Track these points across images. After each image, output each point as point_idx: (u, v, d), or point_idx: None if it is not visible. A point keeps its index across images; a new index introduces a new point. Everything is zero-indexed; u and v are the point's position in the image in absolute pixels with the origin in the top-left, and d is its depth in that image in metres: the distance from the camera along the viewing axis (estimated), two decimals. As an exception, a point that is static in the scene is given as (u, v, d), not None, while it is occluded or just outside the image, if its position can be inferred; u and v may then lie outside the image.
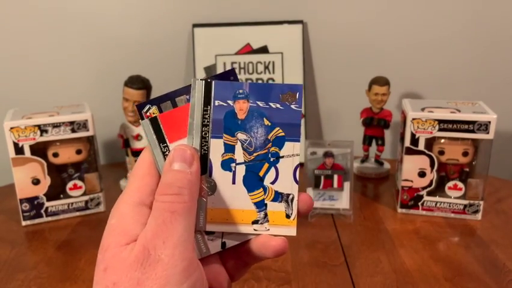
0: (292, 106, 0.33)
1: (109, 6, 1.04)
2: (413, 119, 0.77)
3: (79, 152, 0.82)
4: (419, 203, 0.81)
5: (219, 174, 0.33)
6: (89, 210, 0.83)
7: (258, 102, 0.33)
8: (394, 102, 1.06)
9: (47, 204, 0.80)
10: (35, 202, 0.80)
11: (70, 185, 0.82)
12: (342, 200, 0.80)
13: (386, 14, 1.05)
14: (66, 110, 0.82)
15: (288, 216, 0.33)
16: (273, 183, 0.33)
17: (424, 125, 0.77)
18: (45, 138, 0.78)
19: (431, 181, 0.80)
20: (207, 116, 0.32)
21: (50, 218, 0.81)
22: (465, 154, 0.78)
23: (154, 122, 0.32)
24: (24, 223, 0.80)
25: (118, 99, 0.91)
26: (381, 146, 0.98)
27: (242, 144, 0.33)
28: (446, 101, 0.83)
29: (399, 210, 0.82)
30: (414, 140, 0.78)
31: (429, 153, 0.78)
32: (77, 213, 0.83)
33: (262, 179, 0.33)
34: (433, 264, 0.66)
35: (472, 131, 0.75)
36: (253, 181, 0.33)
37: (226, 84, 0.33)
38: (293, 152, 0.33)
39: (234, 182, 0.33)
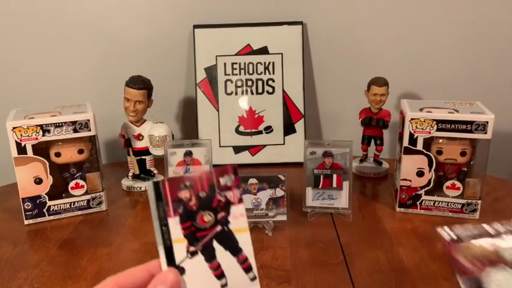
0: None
1: (111, 8, 1.04)
2: (412, 119, 0.78)
3: (80, 151, 0.83)
4: (418, 202, 0.81)
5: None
6: (91, 209, 0.84)
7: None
8: (393, 103, 1.06)
9: (49, 203, 0.81)
10: (38, 201, 0.80)
11: (71, 184, 0.83)
12: (341, 199, 0.80)
13: (384, 16, 1.06)
14: (68, 110, 0.83)
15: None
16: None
17: (422, 125, 0.78)
18: (48, 138, 0.78)
19: (429, 180, 0.80)
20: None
21: (52, 217, 0.82)
22: (463, 154, 0.79)
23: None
24: (26, 222, 0.80)
25: (119, 99, 0.92)
26: (380, 145, 0.99)
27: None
28: (444, 101, 0.84)
29: (398, 209, 0.83)
30: (413, 140, 0.79)
31: (428, 153, 0.79)
32: (79, 212, 0.83)
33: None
34: (431, 263, 0.67)
35: (470, 131, 0.76)
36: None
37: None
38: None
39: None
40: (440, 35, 1.06)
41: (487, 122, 0.75)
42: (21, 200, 0.79)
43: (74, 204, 0.83)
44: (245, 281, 0.36)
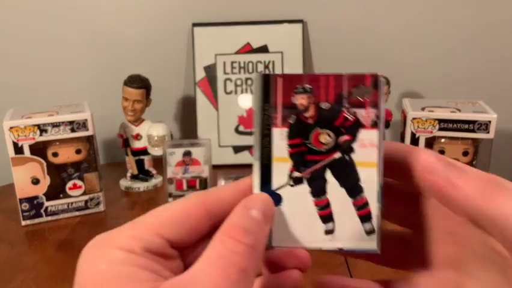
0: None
1: (108, 6, 1.03)
2: (413, 118, 0.77)
3: (78, 151, 0.82)
4: (419, 203, 0.80)
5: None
6: (88, 210, 0.83)
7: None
8: (394, 102, 1.06)
9: (46, 203, 0.80)
10: (35, 202, 0.79)
11: (69, 184, 0.82)
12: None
13: (385, 14, 1.05)
14: (65, 109, 0.82)
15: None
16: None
17: (424, 125, 0.77)
18: (45, 137, 0.78)
19: (431, 181, 0.79)
20: None
21: (49, 218, 0.81)
22: (465, 154, 0.78)
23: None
24: (23, 223, 0.80)
25: (117, 99, 0.91)
26: (381, 145, 0.98)
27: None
28: (446, 100, 0.83)
29: (399, 209, 0.82)
30: (415, 140, 0.78)
31: (430, 152, 0.78)
32: (77, 213, 0.83)
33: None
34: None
35: (472, 131, 0.75)
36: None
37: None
38: None
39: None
40: (441, 33, 1.05)
41: (490, 122, 0.74)
42: (18, 200, 0.78)
43: (71, 205, 0.82)
44: (359, 232, 0.27)
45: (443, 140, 0.78)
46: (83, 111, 0.80)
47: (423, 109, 0.78)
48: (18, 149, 0.76)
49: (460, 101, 0.82)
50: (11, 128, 0.76)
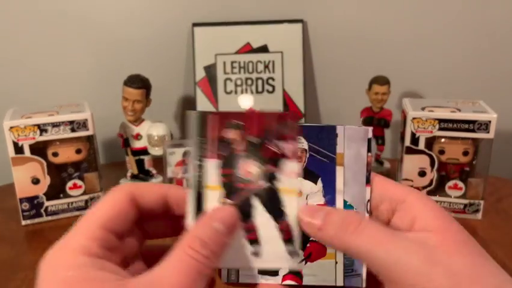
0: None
1: (108, 6, 1.03)
2: (413, 118, 0.77)
3: (78, 151, 0.82)
4: (419, 203, 0.80)
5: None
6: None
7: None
8: (394, 102, 1.05)
9: (46, 203, 0.80)
10: (35, 201, 0.79)
11: (69, 184, 0.82)
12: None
13: (386, 14, 1.05)
14: (66, 109, 0.82)
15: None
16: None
17: (424, 125, 0.77)
18: (45, 137, 0.77)
19: (431, 180, 0.79)
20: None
21: (49, 218, 0.81)
22: (465, 153, 0.78)
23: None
24: (24, 222, 0.80)
25: (117, 99, 0.91)
26: (382, 145, 0.98)
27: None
28: (446, 100, 0.83)
29: (400, 209, 0.82)
30: (415, 140, 0.78)
31: (430, 152, 0.78)
32: (77, 213, 0.83)
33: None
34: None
35: (473, 131, 0.75)
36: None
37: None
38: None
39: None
40: (442, 33, 1.05)
41: (490, 121, 0.74)
42: (18, 200, 0.78)
43: (72, 205, 0.82)
44: (282, 254, 0.30)
45: (443, 139, 0.78)
46: (83, 111, 0.80)
47: (423, 109, 0.78)
48: (18, 149, 0.76)
49: (460, 101, 0.82)
50: (11, 127, 0.76)
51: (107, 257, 0.27)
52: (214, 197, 0.30)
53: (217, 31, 1.04)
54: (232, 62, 1.04)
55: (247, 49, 1.04)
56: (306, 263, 0.31)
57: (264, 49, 1.04)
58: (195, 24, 1.04)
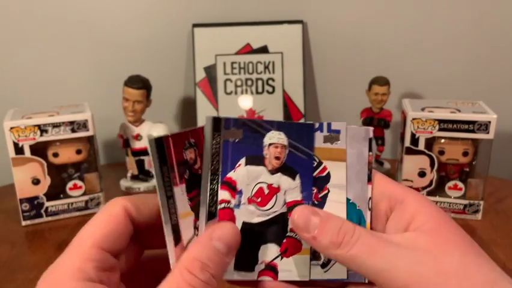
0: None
1: (109, 7, 1.03)
2: (413, 118, 0.77)
3: (78, 152, 0.82)
4: (419, 203, 0.80)
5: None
6: (89, 210, 0.83)
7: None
8: (394, 102, 1.06)
9: (47, 204, 0.80)
10: (35, 202, 0.79)
11: (69, 185, 0.82)
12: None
13: (386, 14, 1.05)
14: (66, 109, 0.82)
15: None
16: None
17: (424, 125, 0.77)
18: (45, 138, 0.78)
19: (431, 181, 0.80)
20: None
21: (50, 218, 0.81)
22: (465, 154, 0.78)
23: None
24: (24, 223, 0.80)
25: (118, 99, 0.91)
26: (381, 146, 0.98)
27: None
28: (446, 100, 0.83)
29: (399, 210, 0.82)
30: (414, 140, 0.78)
31: (430, 153, 0.78)
32: (77, 213, 0.83)
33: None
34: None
35: (472, 131, 0.75)
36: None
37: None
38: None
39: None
40: (442, 34, 1.05)
41: (490, 122, 0.74)
42: (18, 200, 0.79)
43: (72, 205, 0.82)
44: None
45: (443, 140, 0.78)
46: (83, 111, 0.80)
47: (423, 109, 0.78)
48: (18, 149, 0.76)
49: (459, 102, 0.82)
50: (11, 128, 0.76)
51: (103, 279, 0.26)
52: (188, 224, 0.29)
53: (217, 32, 1.04)
54: (232, 63, 1.05)
55: (247, 50, 1.04)
56: (282, 258, 0.32)
57: (264, 50, 1.05)
58: (195, 25, 1.04)
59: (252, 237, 0.31)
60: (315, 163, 0.32)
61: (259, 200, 0.31)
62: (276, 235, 0.32)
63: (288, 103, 1.05)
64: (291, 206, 0.32)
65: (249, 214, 0.31)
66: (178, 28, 1.06)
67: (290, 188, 0.32)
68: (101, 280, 0.26)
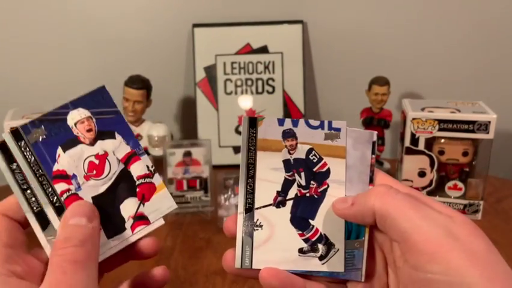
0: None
1: (109, 6, 1.04)
2: (413, 118, 0.77)
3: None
4: (419, 203, 0.80)
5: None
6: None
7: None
8: (394, 102, 1.06)
9: (47, 204, 0.80)
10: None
11: None
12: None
13: (386, 14, 1.05)
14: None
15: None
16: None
17: (424, 125, 0.77)
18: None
19: (431, 181, 0.80)
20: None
21: (50, 218, 0.81)
22: (465, 154, 0.78)
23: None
24: (24, 223, 0.80)
25: (118, 99, 0.91)
26: (381, 145, 0.98)
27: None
28: (446, 100, 0.83)
29: (399, 210, 0.82)
30: (414, 140, 0.78)
31: (429, 153, 0.78)
32: None
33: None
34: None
35: (472, 131, 0.75)
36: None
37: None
38: None
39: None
40: (442, 33, 1.05)
41: (489, 122, 0.74)
42: (18, 200, 0.78)
43: None
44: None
45: (442, 140, 0.79)
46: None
47: (423, 109, 0.78)
48: None
49: (459, 102, 0.82)
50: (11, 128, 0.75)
51: (16, 273, 0.29)
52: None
53: (217, 32, 1.04)
54: (232, 63, 1.05)
55: (247, 50, 1.04)
56: (143, 205, 0.34)
57: (264, 50, 1.05)
58: (195, 25, 1.04)
59: (108, 205, 0.33)
60: (316, 159, 0.34)
61: (94, 172, 0.33)
62: (127, 190, 0.34)
63: (288, 103, 1.05)
64: (127, 159, 0.34)
65: (94, 188, 0.33)
66: (178, 28, 1.06)
67: (115, 146, 0.34)
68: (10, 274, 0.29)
